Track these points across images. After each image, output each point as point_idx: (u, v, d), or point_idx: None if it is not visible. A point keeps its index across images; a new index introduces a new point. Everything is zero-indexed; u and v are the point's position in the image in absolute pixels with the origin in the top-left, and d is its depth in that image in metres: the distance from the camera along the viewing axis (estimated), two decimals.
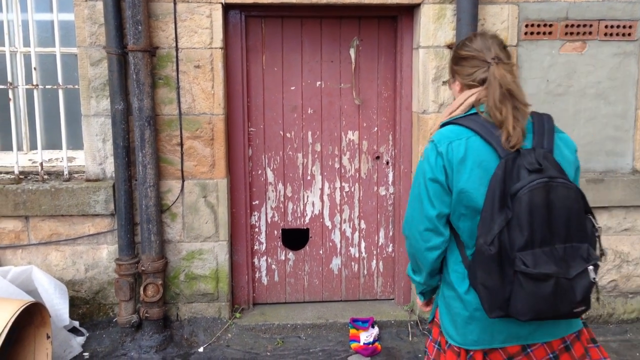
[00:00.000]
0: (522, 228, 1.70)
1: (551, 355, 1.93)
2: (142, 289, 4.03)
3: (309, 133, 4.51)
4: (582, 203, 1.78)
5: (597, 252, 1.83)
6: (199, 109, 4.10)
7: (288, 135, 4.50)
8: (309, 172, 4.54)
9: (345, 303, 4.69)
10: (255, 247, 4.58)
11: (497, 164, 1.78)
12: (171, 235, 4.20)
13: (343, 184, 4.58)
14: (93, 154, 4.10)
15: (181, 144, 4.11)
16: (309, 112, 4.49)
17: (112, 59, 3.90)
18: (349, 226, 4.63)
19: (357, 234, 4.64)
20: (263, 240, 4.59)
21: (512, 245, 1.71)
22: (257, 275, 4.62)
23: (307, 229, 4.61)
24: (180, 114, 4.09)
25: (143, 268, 4.02)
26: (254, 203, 4.52)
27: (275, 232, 4.59)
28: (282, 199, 4.56)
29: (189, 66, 4.04)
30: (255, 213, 4.54)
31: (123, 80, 3.95)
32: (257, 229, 4.57)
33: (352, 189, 4.59)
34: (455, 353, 1.96)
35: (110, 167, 4.11)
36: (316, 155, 4.54)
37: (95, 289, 4.21)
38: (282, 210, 4.57)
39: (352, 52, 4.44)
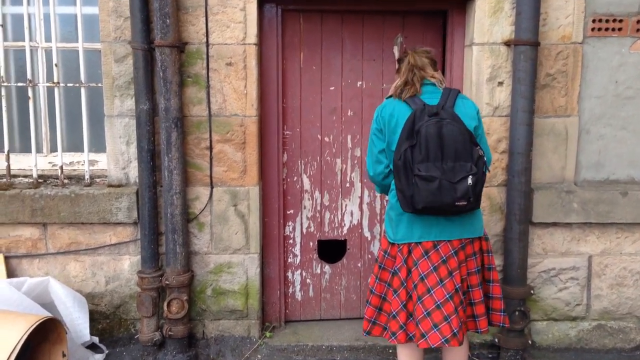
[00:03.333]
0: (420, 149, 2.66)
1: (452, 251, 2.81)
2: (165, 304, 3.71)
3: (349, 137, 4.15)
4: (467, 136, 2.70)
5: (481, 170, 2.72)
6: (230, 110, 3.77)
7: (326, 139, 4.15)
8: (348, 178, 4.19)
9: None
10: (289, 260, 4.24)
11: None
12: (198, 247, 3.88)
13: None
14: (116, 157, 3.80)
15: (210, 148, 3.79)
16: (349, 114, 4.13)
17: (137, 55, 3.59)
18: None
19: None
20: (297, 252, 4.24)
21: (413, 160, 2.67)
22: (290, 290, 4.27)
23: (345, 240, 4.27)
24: (210, 115, 3.77)
25: (167, 282, 3.71)
26: (288, 212, 4.18)
27: (311, 243, 4.24)
28: (318, 208, 4.21)
29: (220, 63, 3.72)
30: (290, 223, 4.20)
31: (149, 78, 3.64)
32: (291, 241, 4.22)
33: None
34: (392, 247, 2.91)
35: (134, 172, 3.81)
36: (356, 161, 4.18)
37: (116, 302, 3.91)
38: (319, 220, 4.22)
39: (395, 50, 4.08)
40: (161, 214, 3.77)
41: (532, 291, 3.84)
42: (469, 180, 2.63)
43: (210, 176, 3.82)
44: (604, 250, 3.95)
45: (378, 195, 4.22)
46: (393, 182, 2.85)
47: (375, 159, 2.93)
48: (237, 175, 3.83)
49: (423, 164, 2.64)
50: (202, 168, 3.81)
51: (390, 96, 2.97)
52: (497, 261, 3.74)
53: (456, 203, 2.64)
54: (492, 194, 3.85)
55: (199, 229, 3.87)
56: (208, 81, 3.74)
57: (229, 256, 3.91)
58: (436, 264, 2.79)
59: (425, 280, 2.79)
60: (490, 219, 3.86)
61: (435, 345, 2.75)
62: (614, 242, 3.94)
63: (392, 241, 2.89)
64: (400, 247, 2.85)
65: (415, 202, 2.67)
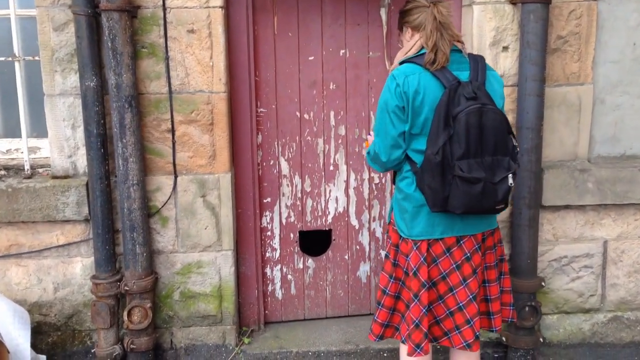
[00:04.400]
0: (460, 142, 2.24)
1: (476, 246, 2.47)
2: (125, 313, 3.20)
3: (332, 113, 3.63)
4: (505, 125, 2.31)
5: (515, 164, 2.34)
6: (194, 86, 3.22)
7: (306, 116, 3.62)
8: (332, 161, 3.68)
9: None
10: (267, 255, 3.74)
11: (442, 92, 2.29)
12: (162, 245, 3.36)
13: (372, 174, 3.74)
14: (60, 143, 3.24)
15: (172, 131, 3.25)
16: (332, 87, 3.61)
17: (80, 22, 3.01)
18: (380, 225, 3.80)
19: None
20: (276, 245, 3.74)
21: (452, 156, 2.25)
22: (269, 288, 3.78)
23: (330, 231, 3.78)
24: (171, 92, 3.22)
25: (126, 287, 3.19)
26: (264, 201, 3.67)
27: (292, 235, 3.74)
28: (299, 194, 3.70)
29: (180, 31, 3.16)
30: (267, 213, 3.69)
31: (95, 49, 3.07)
32: (269, 233, 3.72)
33: (384, 180, 3.75)
34: (406, 243, 2.49)
35: (82, 161, 3.25)
36: (340, 141, 3.67)
37: (67, 312, 3.37)
38: (300, 208, 3.71)
39: (382, 12, 3.56)
40: (117, 209, 3.23)
41: (542, 283, 3.41)
42: (510, 180, 2.30)
43: (174, 163, 3.28)
44: (621, 234, 3.53)
45: (366, 178, 3.74)
46: (405, 166, 2.48)
47: (392, 143, 2.43)
48: (204, 162, 3.30)
49: (464, 161, 2.25)
50: (163, 154, 3.27)
51: (405, 62, 2.44)
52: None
53: (496, 207, 2.33)
54: None
55: (162, 224, 3.34)
56: (167, 52, 3.18)
57: (198, 254, 3.39)
58: (459, 262, 2.46)
59: (448, 279, 2.47)
60: None
61: (457, 347, 2.54)
62: (632, 224, 3.52)
63: (405, 236, 2.49)
64: (418, 243, 2.45)
65: (451, 206, 2.30)
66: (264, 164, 3.64)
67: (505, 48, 3.28)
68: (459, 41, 2.45)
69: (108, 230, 3.20)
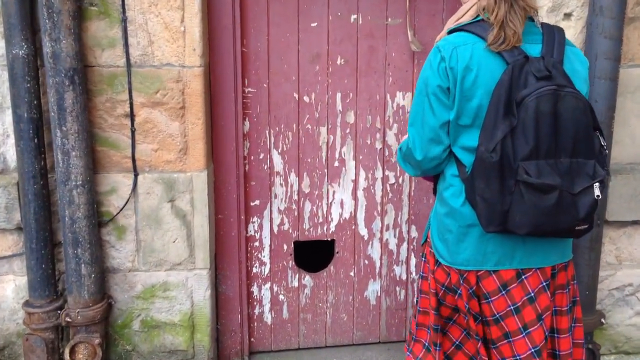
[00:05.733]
0: (527, 136, 1.66)
1: (544, 283, 1.87)
2: (67, 351, 2.47)
3: (338, 96, 2.88)
4: (590, 117, 1.73)
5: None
6: (160, 58, 2.47)
7: (306, 98, 2.87)
8: (337, 155, 2.94)
9: (387, 346, 3.19)
10: (255, 271, 3.01)
11: (504, 70, 1.73)
12: (118, 261, 2.63)
13: (387, 172, 2.99)
14: None
15: (131, 116, 2.50)
16: (339, 62, 2.85)
17: None
18: (394, 235, 3.08)
19: (405, 245, 3.08)
20: (266, 259, 3.01)
21: (515, 154, 1.68)
22: (256, 311, 3.06)
23: (332, 241, 3.07)
24: (129, 66, 2.46)
25: (68, 319, 2.46)
26: (252, 204, 2.93)
27: (285, 246, 3.01)
28: (295, 197, 2.96)
29: None
30: (255, 219, 2.95)
31: (27, 5, 2.30)
32: (257, 243, 2.98)
33: (401, 180, 3.01)
34: (445, 272, 1.93)
35: (12, 153, 2.49)
36: (348, 130, 2.93)
37: None
38: (296, 214, 2.97)
39: None
40: (58, 215, 2.49)
41: (602, 320, 2.68)
42: (596, 191, 1.71)
43: (133, 158, 2.54)
44: None
45: (379, 177, 2.99)
46: (450, 169, 1.91)
47: (431, 136, 1.87)
48: (173, 156, 2.56)
49: (532, 163, 1.68)
50: (119, 146, 2.53)
51: (456, 30, 1.85)
52: None
53: (577, 227, 1.73)
54: None
55: (118, 235, 2.60)
56: (124, 11, 2.42)
57: (164, 274, 2.66)
58: (519, 304, 1.87)
59: (502, 323, 1.90)
60: None
61: None
62: None
63: (446, 263, 1.93)
64: (465, 275, 1.89)
65: (512, 225, 1.72)
66: (252, 158, 2.89)
67: (567, 15, 2.52)
68: (533, 7, 1.84)
69: (45, 243, 2.46)
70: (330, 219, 3.03)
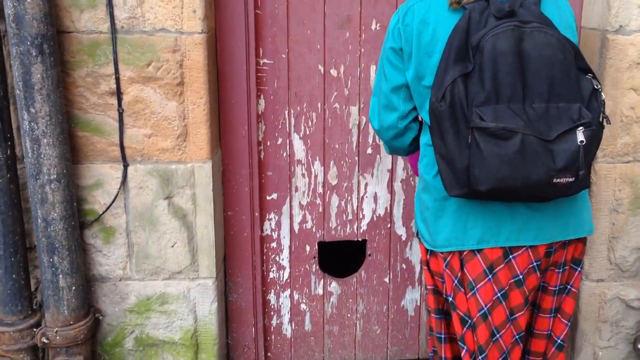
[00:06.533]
0: (483, 80, 1.49)
1: (534, 263, 1.68)
2: None
3: (372, 69, 2.41)
4: (571, 55, 1.54)
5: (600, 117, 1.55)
6: (152, 22, 2.00)
7: (333, 72, 2.38)
8: (370, 140, 2.48)
9: None
10: (271, 276, 2.56)
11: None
12: (107, 269, 2.19)
13: None
14: None
15: (118, 94, 2.04)
16: (374, 28, 2.37)
17: None
18: None
19: None
20: (285, 262, 2.55)
21: (469, 101, 1.51)
22: (274, 322, 2.61)
23: (364, 242, 2.61)
24: (114, 32, 2.00)
25: (45, 339, 2.04)
26: (268, 199, 2.46)
27: (308, 247, 2.54)
28: (320, 189, 2.49)
29: None
30: (272, 216, 2.49)
31: None
32: (274, 244, 2.52)
33: None
34: (436, 258, 1.75)
35: None
36: None
37: None
38: (321, 209, 2.51)
39: None
40: (32, 215, 2.05)
41: None
42: (579, 136, 1.50)
43: (121, 145, 2.09)
44: None
45: None
46: (424, 140, 1.74)
47: (384, 103, 1.76)
48: (170, 143, 2.10)
49: (488, 107, 1.49)
50: (103, 130, 2.07)
51: None
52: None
53: (554, 180, 1.50)
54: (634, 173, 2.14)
55: (105, 238, 2.16)
56: None
57: (162, 284, 2.23)
58: (506, 288, 1.69)
59: (489, 318, 1.69)
60: (628, 221, 2.14)
61: None
62: None
63: (429, 247, 1.75)
64: (448, 258, 1.71)
65: (474, 179, 1.52)
66: (268, 144, 2.42)
67: None
68: None
69: (15, 249, 2.04)
70: (361, 216, 2.55)
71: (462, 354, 1.75)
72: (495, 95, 1.49)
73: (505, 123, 1.46)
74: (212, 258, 2.23)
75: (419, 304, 2.68)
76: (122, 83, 2.03)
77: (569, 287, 1.80)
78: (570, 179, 1.51)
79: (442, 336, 1.84)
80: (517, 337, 1.73)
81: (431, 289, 1.81)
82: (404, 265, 2.63)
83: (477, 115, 1.48)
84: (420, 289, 2.67)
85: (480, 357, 1.71)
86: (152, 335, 2.26)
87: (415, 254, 2.63)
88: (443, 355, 1.85)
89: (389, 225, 2.58)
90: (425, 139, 1.72)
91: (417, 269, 2.64)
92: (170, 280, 2.22)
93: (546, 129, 1.49)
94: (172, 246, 2.19)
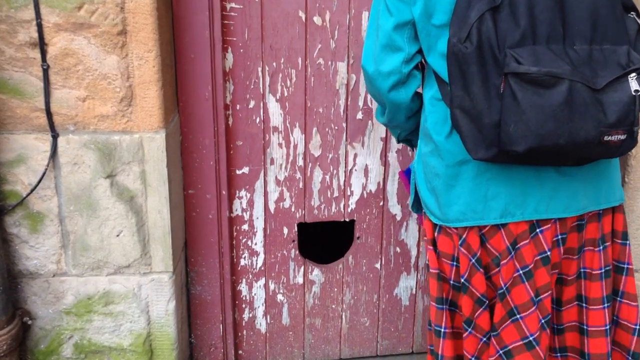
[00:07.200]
0: (516, 16, 1.24)
1: (559, 237, 1.44)
2: None
3: (364, 16, 1.99)
4: None
5: None
6: None
7: (317, 20, 1.97)
8: (361, 103, 2.09)
9: (422, 358, 2.38)
10: (243, 263, 2.17)
11: None
12: (36, 263, 1.79)
13: None
14: None
15: (41, 45, 1.60)
16: None
17: None
18: None
19: None
20: (258, 247, 2.16)
21: (500, 40, 1.24)
22: (245, 316, 2.24)
23: (352, 222, 2.23)
24: None
25: None
26: (238, 173, 2.06)
27: (285, 230, 2.16)
28: (300, 162, 2.09)
29: None
30: (243, 194, 2.09)
31: None
32: (245, 227, 2.13)
33: None
34: (448, 236, 1.47)
35: None
36: None
37: None
38: (301, 185, 2.12)
39: None
40: None
41: None
42: (633, 84, 1.21)
43: (48, 110, 1.66)
44: None
45: None
46: (430, 90, 1.44)
47: (385, 42, 1.43)
48: (112, 109, 1.67)
49: (525, 49, 1.22)
50: (24, 92, 1.64)
51: None
52: None
53: (605, 137, 1.22)
54: None
55: (32, 226, 1.75)
56: None
57: (105, 280, 1.83)
58: (531, 266, 1.42)
59: (508, 297, 1.44)
60: None
61: None
62: None
63: (438, 222, 1.47)
64: (463, 236, 1.43)
65: (508, 138, 1.22)
66: (238, 107, 2.00)
67: None
68: None
69: None
70: (349, 193, 2.16)
71: (465, 335, 1.50)
72: (532, 34, 1.25)
73: (549, 67, 1.21)
74: (168, 248, 1.83)
75: (414, 292, 2.32)
76: (45, 31, 1.59)
77: (624, 265, 1.53)
78: (622, 137, 1.25)
79: (442, 330, 1.53)
80: (543, 321, 1.47)
81: (435, 274, 1.53)
82: (398, 249, 2.26)
83: (513, 58, 1.21)
84: (417, 275, 2.31)
85: (493, 335, 1.47)
86: (95, 341, 1.87)
87: (411, 235, 2.25)
88: (440, 353, 1.55)
89: (381, 203, 2.19)
90: (431, 91, 1.45)
91: (414, 252, 2.27)
92: (116, 276, 1.82)
93: (592, 75, 1.24)
94: (118, 235, 1.78)
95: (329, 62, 2.00)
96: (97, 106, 1.67)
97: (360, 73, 2.02)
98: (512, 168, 1.37)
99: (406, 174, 1.70)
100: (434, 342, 1.58)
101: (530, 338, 1.44)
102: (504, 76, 1.23)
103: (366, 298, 2.31)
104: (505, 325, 1.46)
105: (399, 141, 1.71)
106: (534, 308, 1.43)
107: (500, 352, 1.46)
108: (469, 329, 1.49)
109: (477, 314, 1.47)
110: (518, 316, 1.44)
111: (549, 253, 1.42)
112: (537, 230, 1.42)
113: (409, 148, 2.13)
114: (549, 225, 1.42)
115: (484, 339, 1.49)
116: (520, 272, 1.42)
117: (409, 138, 1.67)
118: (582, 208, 1.43)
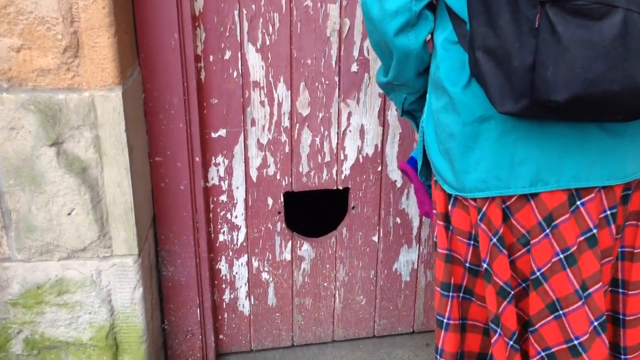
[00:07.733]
0: None
1: (608, 212, 1.19)
2: None
3: None
4: None
5: None
6: None
7: None
8: (356, 52, 1.80)
9: (424, 338, 2.19)
10: (221, 239, 1.91)
11: None
12: None
13: None
14: None
15: None
16: None
17: None
18: None
19: None
20: (239, 220, 1.90)
21: None
22: (226, 297, 1.99)
23: (346, 190, 1.97)
24: None
25: None
26: (214, 136, 1.78)
27: (270, 200, 1.89)
28: (286, 122, 1.81)
29: None
30: (219, 160, 1.81)
31: None
32: (223, 197, 1.86)
33: None
34: (464, 209, 1.24)
35: None
36: None
37: None
38: (287, 149, 1.85)
39: None
40: None
41: None
42: None
43: None
44: None
45: None
46: (443, 32, 1.18)
47: None
48: (54, 61, 1.37)
49: None
50: None
51: None
52: None
53: None
54: None
55: None
56: None
57: (58, 266, 1.56)
58: (572, 249, 1.15)
59: (546, 286, 1.18)
60: None
61: None
62: None
63: (453, 192, 1.23)
64: (482, 207, 1.18)
65: (545, 84, 0.96)
66: (211, 59, 1.70)
67: None
68: None
69: None
70: (342, 157, 1.89)
71: (494, 340, 1.25)
72: None
73: None
74: (132, 227, 1.55)
75: (416, 266, 2.08)
76: None
77: None
78: None
79: (445, 321, 1.31)
80: (596, 323, 1.21)
81: (443, 255, 1.30)
82: (398, 220, 2.00)
83: None
84: (419, 248, 2.06)
85: (530, 331, 1.23)
86: (49, 336, 1.60)
87: (413, 204, 1.99)
88: (440, 347, 1.32)
89: (379, 169, 1.92)
90: (445, 33, 1.20)
91: (416, 223, 2.02)
92: (69, 261, 1.54)
93: None
94: (69, 214, 1.49)
95: (318, 4, 1.70)
96: (36, 58, 1.36)
97: (355, 17, 1.72)
98: (545, 125, 1.12)
99: (410, 164, 1.41)
100: (435, 332, 1.34)
101: (576, 342, 1.18)
102: (540, 5, 0.98)
103: (362, 274, 2.06)
104: (547, 322, 1.22)
105: (402, 112, 1.41)
106: (580, 303, 1.17)
107: (542, 354, 1.21)
108: (499, 330, 1.24)
109: (501, 308, 1.22)
110: (561, 312, 1.20)
111: (594, 231, 1.17)
112: (578, 202, 1.17)
113: None
114: (592, 195, 1.16)
115: (511, 342, 1.23)
116: (561, 255, 1.17)
117: (415, 108, 1.38)
118: (630, 174, 1.18)
